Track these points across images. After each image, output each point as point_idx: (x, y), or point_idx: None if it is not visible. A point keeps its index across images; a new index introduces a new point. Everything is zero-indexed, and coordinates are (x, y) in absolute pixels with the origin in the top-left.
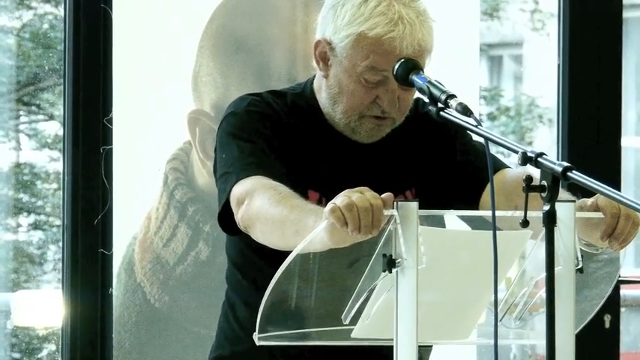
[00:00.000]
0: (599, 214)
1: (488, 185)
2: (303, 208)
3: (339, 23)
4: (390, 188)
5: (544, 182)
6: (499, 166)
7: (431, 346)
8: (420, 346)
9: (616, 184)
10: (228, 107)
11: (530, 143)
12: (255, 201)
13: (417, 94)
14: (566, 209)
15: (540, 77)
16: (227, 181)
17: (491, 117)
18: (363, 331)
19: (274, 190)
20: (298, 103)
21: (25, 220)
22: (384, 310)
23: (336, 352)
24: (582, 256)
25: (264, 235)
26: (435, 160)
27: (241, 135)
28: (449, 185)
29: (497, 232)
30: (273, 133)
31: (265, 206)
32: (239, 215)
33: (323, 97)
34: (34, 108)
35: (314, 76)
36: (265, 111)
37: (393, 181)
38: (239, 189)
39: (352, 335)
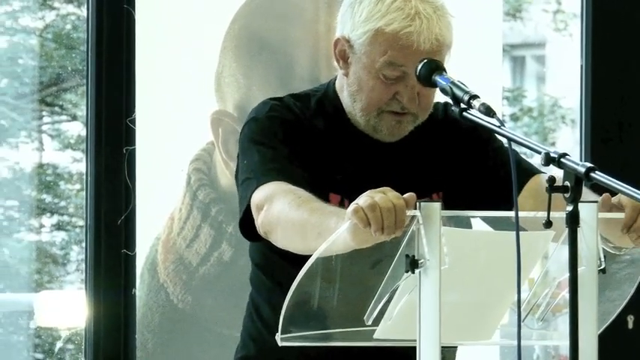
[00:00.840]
0: (621, 215)
1: (522, 189)
2: (324, 211)
3: (356, 20)
4: (415, 190)
5: (567, 183)
6: (534, 171)
7: (456, 347)
8: (445, 347)
9: (639, 184)
10: (250, 113)
11: (553, 144)
12: (275, 206)
13: (446, 98)
14: (589, 210)
15: (563, 78)
16: (248, 187)
17: (514, 118)
18: (386, 332)
19: (294, 194)
20: (321, 104)
21: (48, 220)
22: (407, 311)
23: (359, 352)
24: (605, 256)
25: (286, 240)
26: (465, 165)
27: (262, 140)
28: (480, 190)
29: (520, 232)
30: (294, 137)
31: (285, 210)
32: (259, 221)
33: (344, 96)
34: (56, 109)
35: (336, 77)
36: (286, 116)
37: (418, 183)
38: (259, 195)
39: (375, 336)
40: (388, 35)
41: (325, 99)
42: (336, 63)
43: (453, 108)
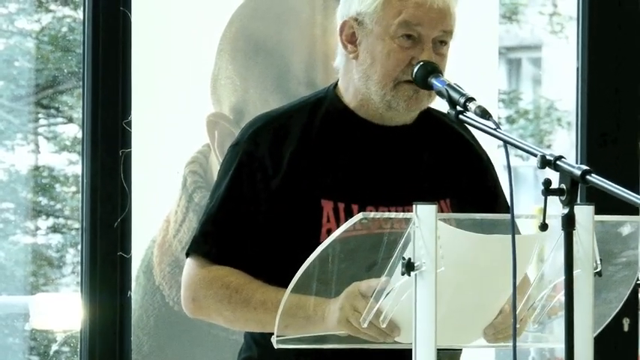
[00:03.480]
0: (617, 217)
1: None
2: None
3: None
4: (424, 194)
5: (563, 185)
6: None
7: (460, 349)
8: (449, 349)
9: (635, 187)
10: (242, 129)
11: (548, 146)
12: (208, 307)
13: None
14: (585, 212)
15: (559, 80)
16: (204, 221)
17: (510, 120)
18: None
19: (224, 290)
20: (317, 109)
21: (43, 223)
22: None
23: (358, 354)
24: (601, 259)
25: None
26: (466, 178)
27: (230, 183)
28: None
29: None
30: (270, 170)
31: (221, 311)
32: (186, 305)
33: (354, 85)
34: (52, 111)
35: (334, 83)
36: (261, 151)
37: (427, 185)
38: (194, 275)
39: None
40: None
41: (324, 102)
42: (340, 59)
43: (449, 110)
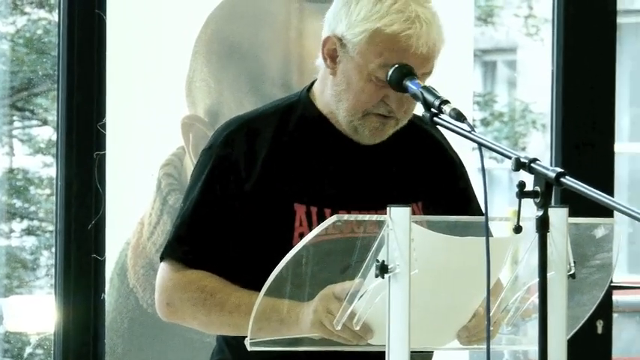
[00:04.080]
0: (592, 220)
1: None
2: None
3: (353, 19)
4: (394, 197)
5: (537, 188)
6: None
7: (432, 352)
8: (421, 352)
9: (609, 190)
10: (214, 132)
11: (523, 149)
12: (182, 311)
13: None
14: (559, 215)
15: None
16: (178, 224)
17: (485, 122)
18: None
19: (199, 293)
20: (290, 113)
21: (18, 225)
22: (377, 315)
23: (331, 356)
24: (575, 261)
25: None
26: (438, 181)
27: (204, 186)
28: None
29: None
30: (243, 174)
31: (195, 314)
32: (160, 309)
33: (327, 96)
34: (27, 113)
35: (309, 85)
36: (235, 155)
37: (397, 190)
38: (169, 279)
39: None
40: (387, 36)
41: (297, 107)
42: (320, 60)
43: (424, 113)
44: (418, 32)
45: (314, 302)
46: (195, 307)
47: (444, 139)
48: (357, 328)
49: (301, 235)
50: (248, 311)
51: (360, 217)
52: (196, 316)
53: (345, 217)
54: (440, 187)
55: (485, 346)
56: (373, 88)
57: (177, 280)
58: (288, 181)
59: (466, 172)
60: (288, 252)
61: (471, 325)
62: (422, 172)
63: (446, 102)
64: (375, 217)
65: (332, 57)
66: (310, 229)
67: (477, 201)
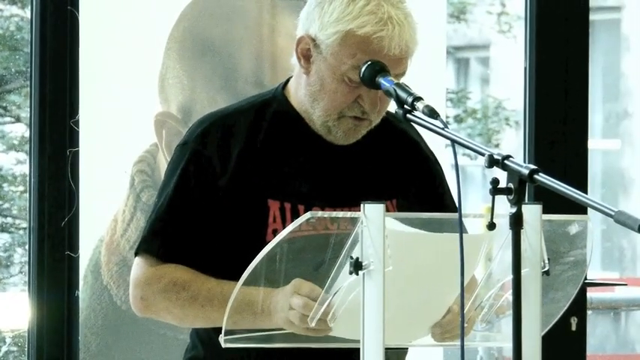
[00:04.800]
0: (563, 216)
1: None
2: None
3: (326, 20)
4: (368, 194)
5: (511, 185)
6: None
7: (407, 349)
8: (395, 349)
9: (582, 186)
10: (189, 128)
11: (496, 146)
12: (156, 305)
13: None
14: (532, 212)
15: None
16: (152, 219)
17: (458, 119)
18: (337, 330)
19: (172, 288)
20: (264, 111)
21: None
22: (351, 312)
23: (305, 352)
24: (549, 258)
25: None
26: (412, 178)
27: (179, 181)
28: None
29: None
30: (218, 169)
31: (169, 308)
32: (135, 304)
33: (301, 95)
34: (0, 110)
35: (284, 82)
36: (209, 150)
37: (371, 188)
38: (142, 274)
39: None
40: (359, 38)
41: (272, 104)
42: (296, 60)
43: (397, 110)
44: (390, 34)
45: (281, 299)
46: (169, 301)
47: (419, 136)
48: (332, 325)
49: (275, 232)
50: (220, 304)
51: (334, 214)
52: (170, 310)
53: (319, 213)
54: (414, 185)
55: (459, 343)
56: (347, 89)
57: (151, 274)
58: (262, 177)
59: (441, 169)
60: (261, 248)
61: (445, 322)
62: (396, 170)
63: (419, 99)
64: (349, 214)
65: (306, 57)
66: (284, 226)
67: (451, 197)
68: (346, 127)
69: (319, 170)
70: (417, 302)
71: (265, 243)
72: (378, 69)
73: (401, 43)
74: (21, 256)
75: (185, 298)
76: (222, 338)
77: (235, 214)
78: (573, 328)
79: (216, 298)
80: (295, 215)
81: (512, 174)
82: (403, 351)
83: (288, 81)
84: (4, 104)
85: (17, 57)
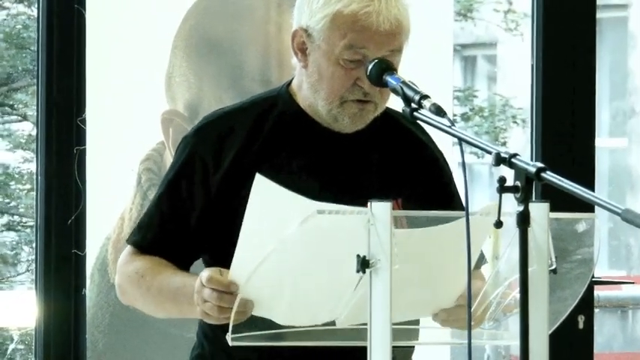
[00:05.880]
0: (572, 214)
1: None
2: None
3: (314, 7)
4: (373, 192)
5: (518, 183)
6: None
7: (413, 347)
8: (402, 347)
9: (589, 184)
10: (194, 127)
11: (504, 144)
12: (128, 293)
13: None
14: (540, 210)
15: (514, 78)
16: (144, 213)
17: (465, 117)
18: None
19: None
20: (268, 110)
21: None
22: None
23: (314, 350)
24: (556, 256)
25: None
26: (419, 178)
27: (173, 178)
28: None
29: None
30: (211, 168)
31: (136, 296)
32: (117, 292)
33: (304, 90)
34: (7, 108)
35: (289, 80)
36: (204, 149)
37: (379, 184)
38: (121, 262)
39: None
40: (347, 17)
41: (277, 102)
42: (294, 56)
43: (404, 108)
44: (377, 8)
45: (195, 293)
46: (135, 289)
47: (427, 136)
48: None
49: None
50: (168, 294)
51: (342, 207)
52: (137, 298)
53: (327, 209)
54: (422, 185)
55: (466, 342)
56: (343, 71)
57: (126, 261)
58: (266, 174)
59: (449, 169)
60: None
61: (453, 309)
62: (404, 169)
63: (426, 97)
64: (356, 209)
65: (302, 50)
66: None
67: (459, 196)
68: (351, 112)
69: (326, 165)
70: (425, 295)
71: None
72: (385, 67)
73: (389, 16)
74: (28, 254)
75: (143, 287)
76: (229, 337)
77: (230, 212)
78: (581, 326)
79: (165, 288)
80: None
81: (520, 172)
82: (410, 350)
83: (293, 79)
84: (11, 102)
85: (24, 55)
